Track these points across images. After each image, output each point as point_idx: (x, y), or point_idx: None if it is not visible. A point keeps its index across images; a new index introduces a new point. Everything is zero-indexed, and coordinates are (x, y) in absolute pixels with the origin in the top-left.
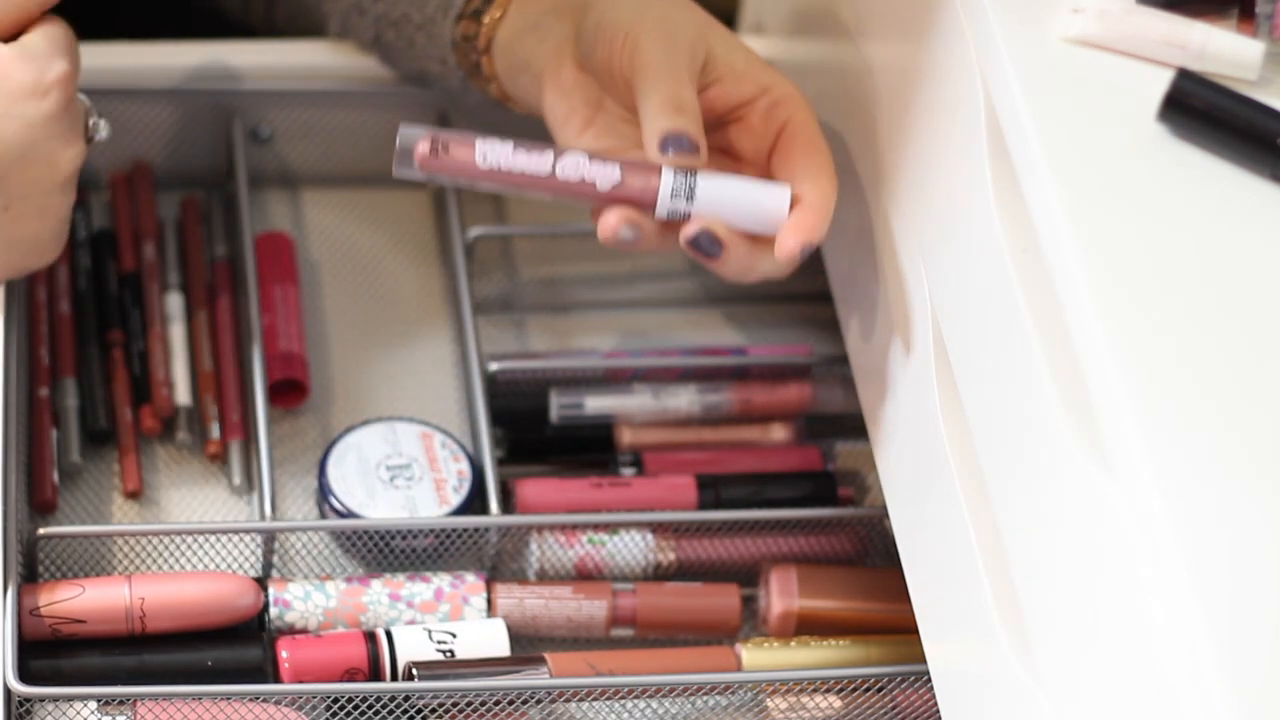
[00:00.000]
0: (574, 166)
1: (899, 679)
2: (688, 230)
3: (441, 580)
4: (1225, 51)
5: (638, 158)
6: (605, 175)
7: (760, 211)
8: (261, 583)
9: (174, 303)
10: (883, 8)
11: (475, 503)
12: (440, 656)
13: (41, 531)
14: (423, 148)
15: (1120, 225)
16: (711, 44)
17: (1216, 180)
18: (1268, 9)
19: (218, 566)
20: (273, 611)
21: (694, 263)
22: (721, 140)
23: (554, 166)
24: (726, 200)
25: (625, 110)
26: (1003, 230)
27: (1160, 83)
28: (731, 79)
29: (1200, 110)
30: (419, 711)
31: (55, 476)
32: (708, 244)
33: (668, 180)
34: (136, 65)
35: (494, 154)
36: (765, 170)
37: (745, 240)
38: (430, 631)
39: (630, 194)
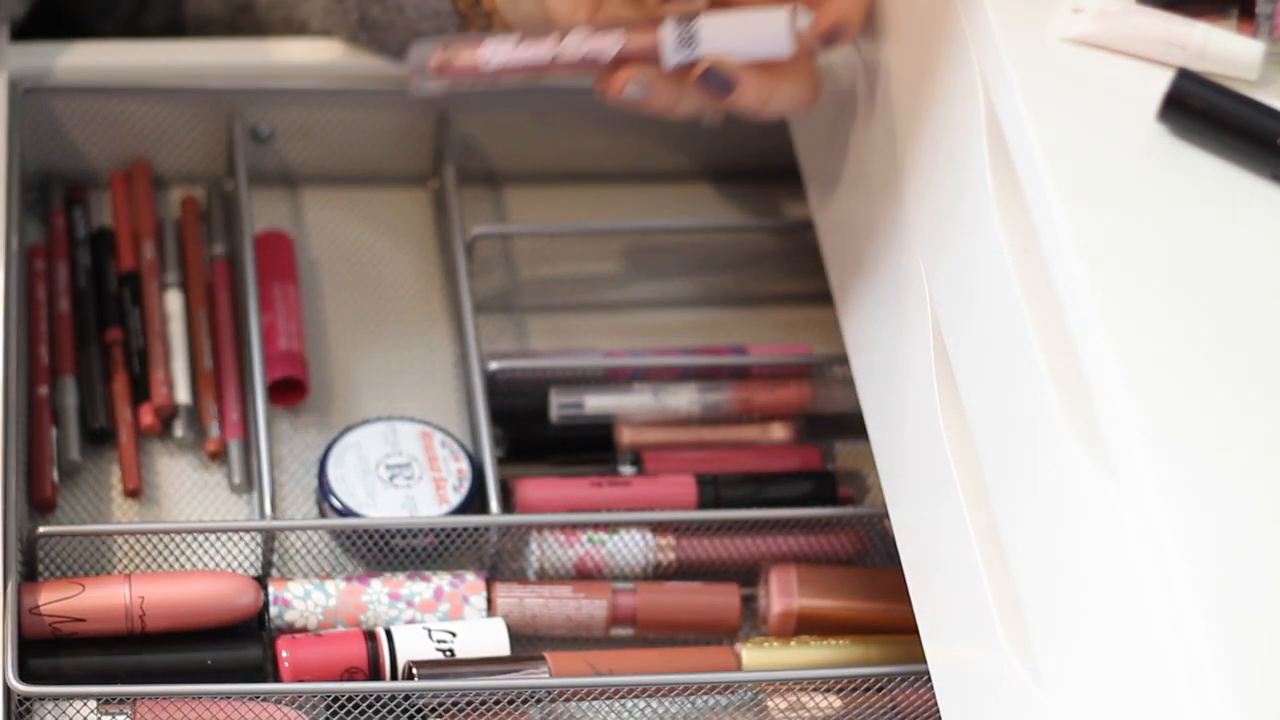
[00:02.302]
0: (576, 44)
1: (899, 679)
2: (696, 72)
3: (441, 579)
4: (1225, 51)
5: (639, 19)
6: (608, 43)
7: (767, 36)
8: (261, 582)
9: (173, 301)
10: (882, 7)
11: (475, 502)
12: (440, 656)
13: (41, 530)
14: (434, 60)
15: (1120, 225)
16: None
17: (1216, 180)
18: (1268, 9)
19: (217, 565)
20: (272, 610)
21: (694, 262)
22: None
23: (557, 49)
24: (731, 34)
25: None
26: (1003, 230)
27: (1160, 83)
28: None
29: (1200, 110)
30: (419, 711)
31: (55, 475)
32: (719, 82)
33: (669, 30)
34: (136, 63)
35: (499, 53)
36: None
37: (757, 70)
38: (430, 631)
39: (635, 54)
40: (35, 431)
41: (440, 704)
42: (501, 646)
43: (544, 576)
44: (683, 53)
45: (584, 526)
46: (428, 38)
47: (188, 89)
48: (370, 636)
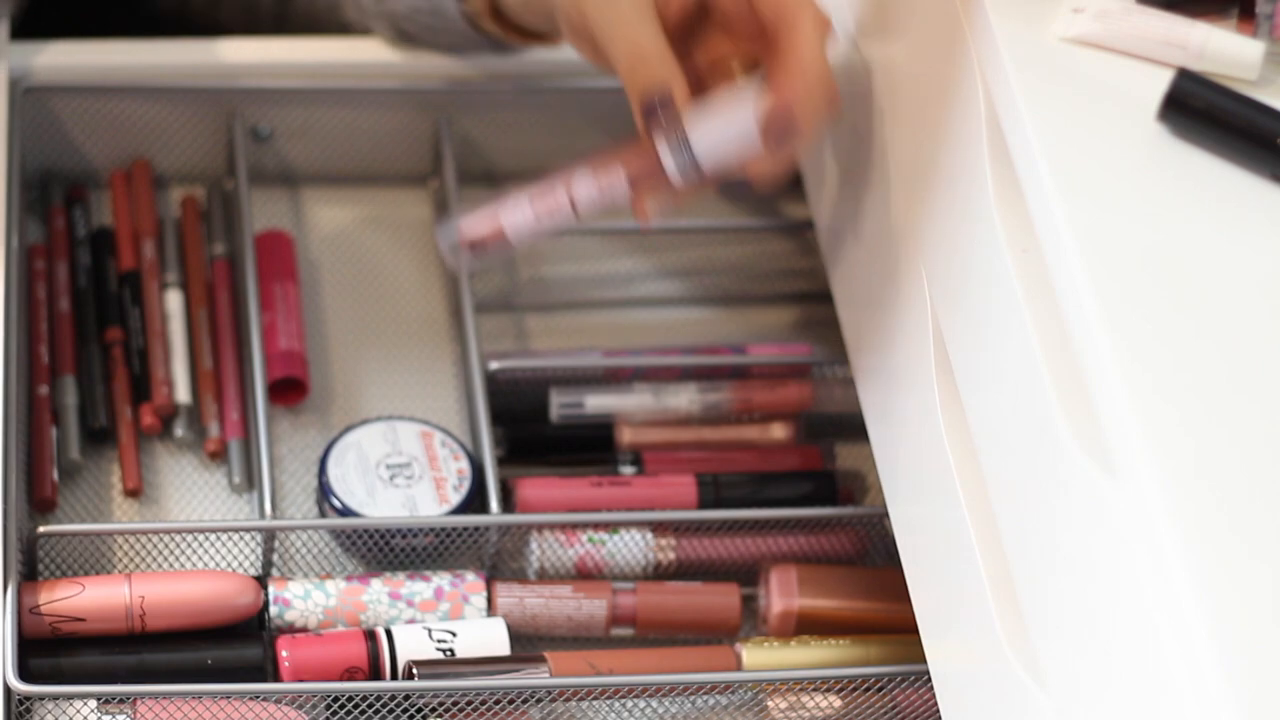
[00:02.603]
0: (587, 192)
1: (899, 679)
2: (710, 189)
3: (441, 579)
4: (1225, 51)
5: (633, 141)
6: (615, 182)
7: (749, 116)
8: (261, 581)
9: (174, 301)
10: (882, 7)
11: (475, 501)
12: (440, 655)
13: (41, 529)
14: (463, 241)
15: (1120, 225)
16: None
17: (1216, 180)
18: (1268, 9)
19: (217, 565)
20: (272, 610)
21: (695, 262)
22: (708, 23)
23: (572, 204)
24: (720, 132)
25: None
26: (1003, 230)
27: (1160, 83)
28: None
29: (1200, 110)
30: (419, 710)
31: (55, 474)
32: (736, 188)
33: (665, 153)
34: (137, 63)
35: (521, 219)
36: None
37: (758, 145)
38: (430, 630)
39: (643, 176)
40: (35, 431)
41: (440, 704)
42: (501, 646)
43: (544, 576)
44: (682, 159)
45: (584, 526)
46: (448, 219)
47: (188, 89)
48: (370, 636)
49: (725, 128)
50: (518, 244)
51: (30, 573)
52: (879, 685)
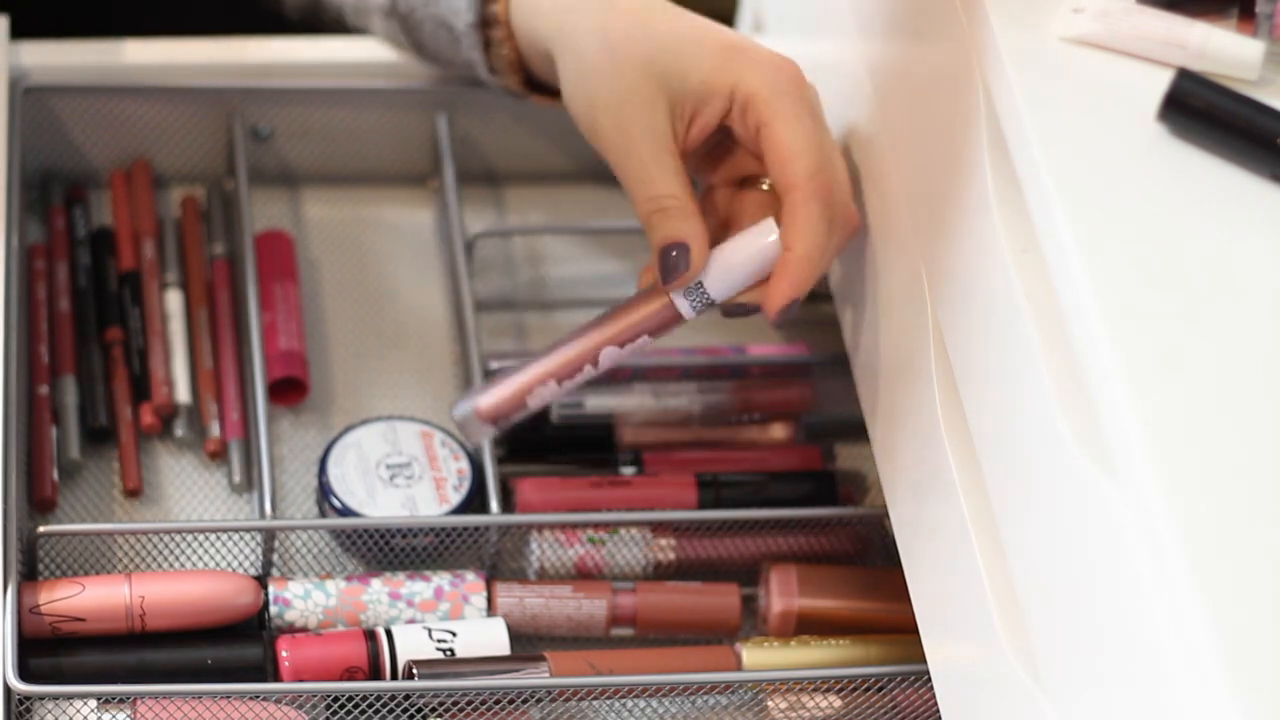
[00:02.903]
0: (609, 355)
1: (899, 679)
2: (721, 313)
3: (441, 579)
4: (1225, 51)
5: (645, 294)
6: (636, 341)
7: (764, 260)
8: (261, 581)
9: (174, 301)
10: (882, 7)
11: (475, 501)
12: (440, 655)
13: (41, 529)
14: (483, 412)
15: (1120, 225)
16: (668, 84)
17: (1216, 180)
18: (1268, 9)
19: (217, 565)
20: (272, 610)
21: None
22: (733, 143)
23: (595, 366)
24: (734, 272)
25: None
26: (1003, 230)
27: (1160, 83)
28: (701, 105)
29: (1200, 110)
30: (419, 710)
31: (55, 474)
32: (742, 311)
33: (680, 298)
34: (136, 63)
35: (541, 395)
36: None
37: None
38: (430, 630)
39: (663, 325)
40: (35, 431)
41: (440, 704)
42: (501, 646)
43: (544, 576)
44: (697, 304)
45: (584, 526)
46: (466, 396)
47: (188, 89)
48: (370, 636)
49: (741, 271)
50: (538, 408)
51: (30, 573)
52: (879, 685)
